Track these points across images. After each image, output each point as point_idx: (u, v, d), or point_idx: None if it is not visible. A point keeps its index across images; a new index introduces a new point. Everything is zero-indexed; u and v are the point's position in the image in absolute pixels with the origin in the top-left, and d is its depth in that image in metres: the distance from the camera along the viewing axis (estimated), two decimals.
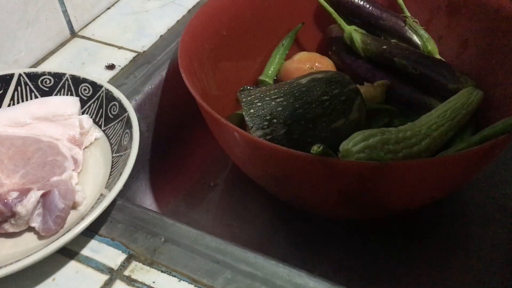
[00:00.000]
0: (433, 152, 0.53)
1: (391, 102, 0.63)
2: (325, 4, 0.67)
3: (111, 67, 0.64)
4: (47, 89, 0.58)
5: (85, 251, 0.46)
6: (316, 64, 0.68)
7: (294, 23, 0.71)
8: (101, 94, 0.56)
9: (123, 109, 0.54)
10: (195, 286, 0.43)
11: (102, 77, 0.63)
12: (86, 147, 0.54)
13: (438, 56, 0.66)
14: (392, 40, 0.67)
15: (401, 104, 0.62)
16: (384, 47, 0.64)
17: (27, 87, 0.58)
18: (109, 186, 0.48)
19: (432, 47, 0.66)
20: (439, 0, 0.67)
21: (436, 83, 0.60)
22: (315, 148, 0.44)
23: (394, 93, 0.63)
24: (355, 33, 0.66)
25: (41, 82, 0.58)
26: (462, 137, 0.56)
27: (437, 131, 0.53)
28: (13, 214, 0.45)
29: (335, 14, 0.67)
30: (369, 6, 0.69)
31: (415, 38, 0.66)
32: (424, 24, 0.68)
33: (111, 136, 0.54)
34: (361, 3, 0.69)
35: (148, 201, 0.65)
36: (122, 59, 0.66)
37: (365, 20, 0.69)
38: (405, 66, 0.62)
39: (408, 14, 0.68)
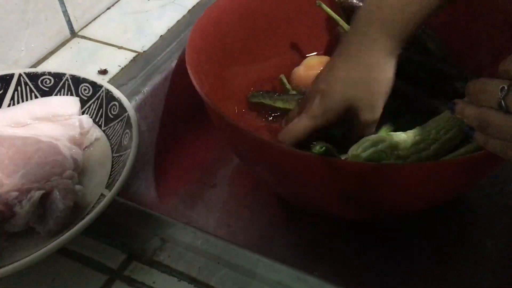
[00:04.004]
0: (442, 156, 0.52)
1: (400, 105, 0.62)
2: (330, 12, 0.67)
3: (103, 72, 0.64)
4: (47, 89, 0.58)
5: (85, 251, 0.46)
6: None
7: (302, 25, 0.71)
8: (101, 94, 0.56)
9: (123, 109, 0.54)
10: (195, 286, 0.43)
11: (102, 77, 0.63)
12: (86, 147, 0.54)
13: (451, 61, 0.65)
14: None
15: (409, 106, 0.62)
16: None
17: (27, 87, 0.58)
18: (109, 186, 0.49)
19: (445, 52, 0.65)
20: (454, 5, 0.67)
21: (448, 86, 0.60)
22: (317, 148, 0.44)
23: (403, 95, 0.62)
24: None
25: (41, 82, 0.58)
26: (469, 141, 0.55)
27: (446, 136, 0.52)
28: (13, 214, 0.45)
29: (341, 21, 0.67)
30: None
31: (428, 43, 0.65)
32: (437, 29, 0.67)
33: (111, 136, 0.54)
34: None
35: (148, 201, 0.65)
36: (122, 59, 0.66)
37: None
38: (415, 70, 0.62)
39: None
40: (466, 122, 0.40)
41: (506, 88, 0.36)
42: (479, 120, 0.39)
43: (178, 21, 0.72)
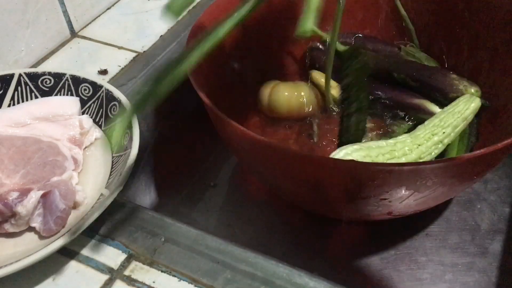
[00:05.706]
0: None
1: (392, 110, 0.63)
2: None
3: (103, 72, 0.64)
4: (47, 89, 0.58)
5: (85, 251, 0.46)
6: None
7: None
8: (101, 94, 0.56)
9: (123, 109, 0.54)
10: (195, 286, 0.43)
11: (102, 77, 0.63)
12: (86, 147, 0.54)
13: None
14: None
15: (399, 112, 0.63)
16: (381, 63, 0.64)
17: (27, 87, 0.58)
18: (109, 186, 0.49)
19: (434, 62, 0.65)
20: (444, 10, 0.67)
21: (437, 93, 0.60)
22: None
23: (396, 101, 0.63)
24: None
25: (41, 82, 0.58)
26: (459, 145, 0.56)
27: (430, 141, 0.53)
28: (14, 214, 0.45)
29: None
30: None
31: (416, 54, 0.66)
32: (436, 29, 0.67)
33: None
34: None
35: (148, 201, 0.65)
36: (122, 59, 0.66)
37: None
38: (404, 80, 0.62)
39: (411, 27, 0.68)
40: None
41: None
42: None
43: (178, 21, 0.72)
